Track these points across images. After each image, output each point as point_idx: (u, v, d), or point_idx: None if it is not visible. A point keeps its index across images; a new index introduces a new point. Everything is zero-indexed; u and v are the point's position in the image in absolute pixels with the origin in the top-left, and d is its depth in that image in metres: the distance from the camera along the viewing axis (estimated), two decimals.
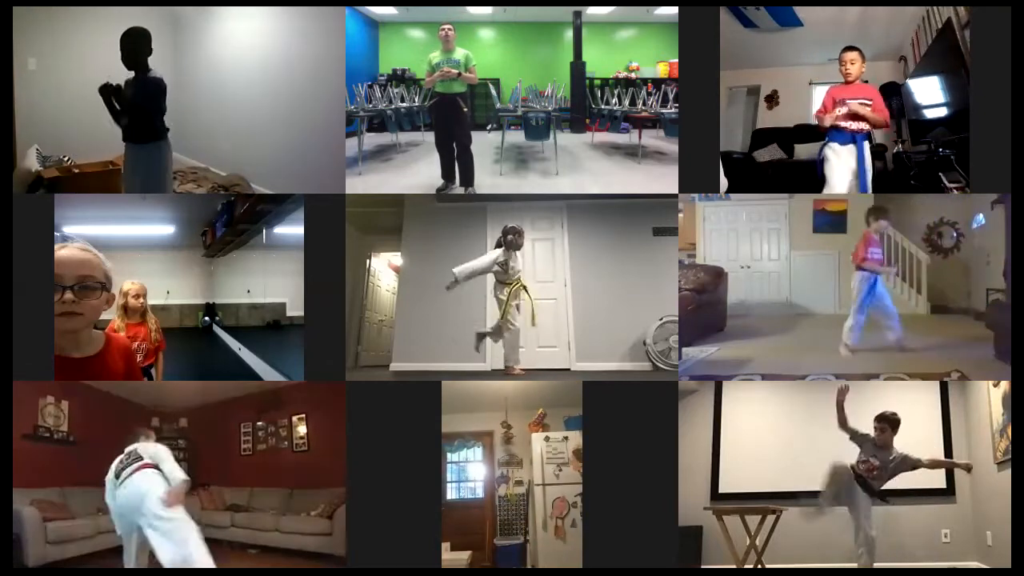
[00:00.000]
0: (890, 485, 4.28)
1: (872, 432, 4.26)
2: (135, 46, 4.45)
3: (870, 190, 4.70)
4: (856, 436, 4.28)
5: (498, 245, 5.59)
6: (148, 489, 3.63)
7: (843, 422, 4.28)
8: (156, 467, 3.74)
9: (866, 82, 4.68)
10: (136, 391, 6.63)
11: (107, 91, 4.45)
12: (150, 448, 3.88)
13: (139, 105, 4.48)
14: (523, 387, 5.82)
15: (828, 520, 4.71)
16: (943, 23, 5.46)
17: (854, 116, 4.59)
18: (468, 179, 5.96)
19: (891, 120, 5.12)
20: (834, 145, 4.64)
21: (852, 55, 4.60)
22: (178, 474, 3.73)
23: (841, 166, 4.63)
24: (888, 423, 4.24)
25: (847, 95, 4.62)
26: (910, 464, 4.26)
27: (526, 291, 5.59)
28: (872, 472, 4.21)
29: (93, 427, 6.14)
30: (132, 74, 4.49)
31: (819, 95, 6.67)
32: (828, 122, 4.63)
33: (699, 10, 4.15)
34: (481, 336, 5.71)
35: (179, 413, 7.63)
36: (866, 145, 4.63)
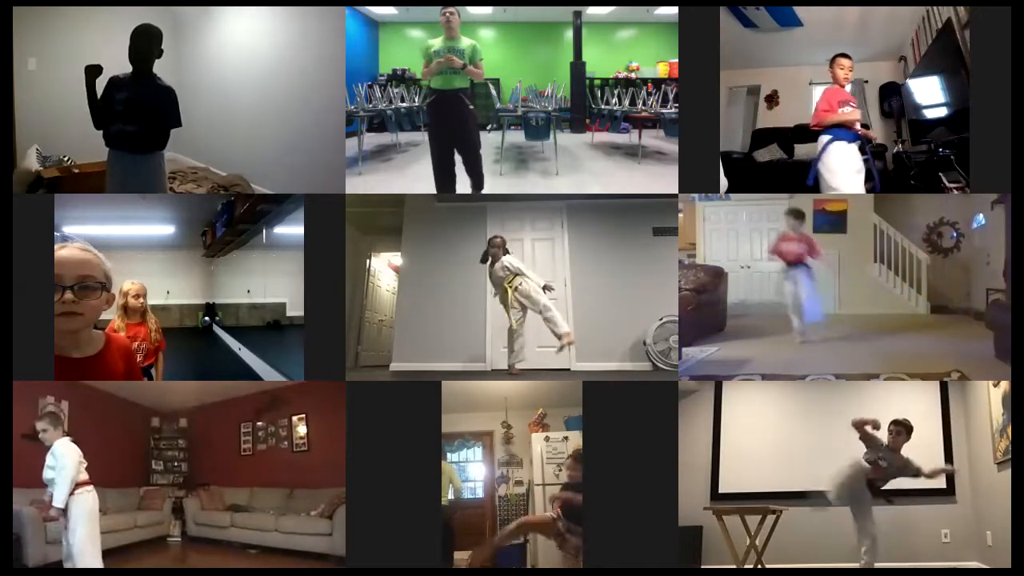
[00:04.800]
0: (889, 484, 4.29)
1: (886, 436, 4.27)
2: (148, 46, 4.22)
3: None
4: (867, 438, 4.28)
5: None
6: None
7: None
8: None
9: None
10: (136, 391, 6.64)
11: (92, 73, 4.19)
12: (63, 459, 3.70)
13: (145, 113, 4.21)
14: (523, 387, 5.82)
15: (828, 520, 4.72)
16: (943, 23, 5.45)
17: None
18: (479, 184, 5.49)
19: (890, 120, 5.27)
20: (842, 143, 4.71)
21: (850, 62, 4.74)
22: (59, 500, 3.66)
23: (851, 163, 4.72)
24: (904, 428, 4.26)
25: (844, 98, 4.74)
26: (912, 470, 4.27)
27: (516, 287, 5.75)
28: (879, 473, 4.22)
29: (93, 427, 6.14)
30: (129, 71, 4.24)
31: (819, 95, 6.68)
32: (833, 120, 4.71)
33: (699, 10, 4.15)
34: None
35: (179, 413, 7.63)
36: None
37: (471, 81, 5.25)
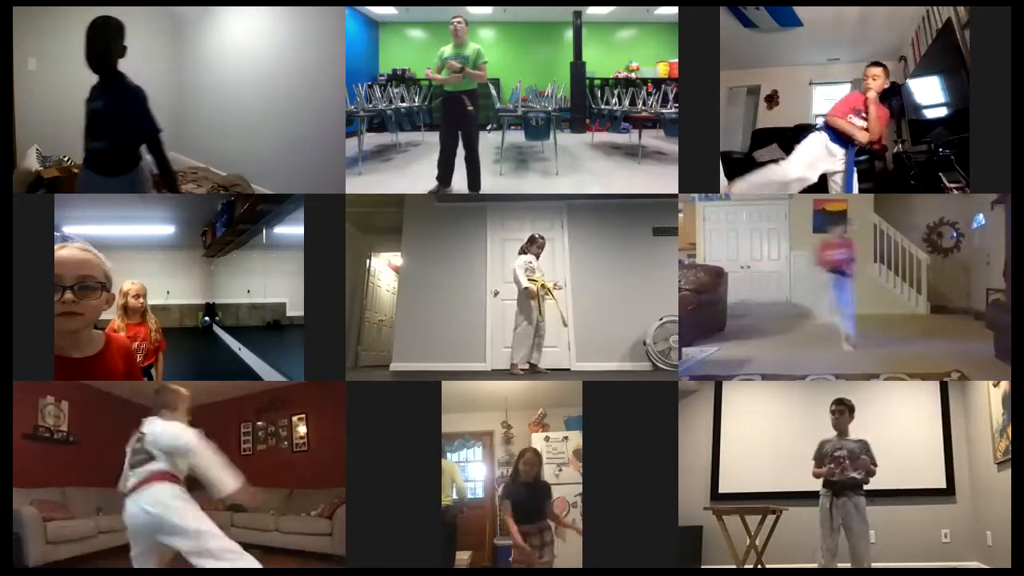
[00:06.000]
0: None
1: (830, 424, 4.29)
2: (108, 42, 3.65)
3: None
4: (819, 452, 4.29)
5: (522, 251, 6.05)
6: (165, 510, 3.25)
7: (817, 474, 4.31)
8: (174, 478, 3.29)
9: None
10: (136, 391, 6.63)
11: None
12: (167, 438, 3.30)
13: (111, 123, 3.59)
14: (523, 387, 5.82)
15: None
16: (943, 23, 5.45)
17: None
18: (475, 183, 5.80)
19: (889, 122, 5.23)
20: (821, 135, 4.72)
21: (877, 69, 4.69)
22: (227, 482, 3.35)
23: (811, 153, 4.71)
24: (846, 406, 4.28)
25: (858, 107, 4.69)
26: (866, 449, 4.23)
27: (550, 294, 5.94)
28: (843, 463, 4.18)
29: (93, 427, 6.15)
30: (97, 79, 3.71)
31: (819, 95, 6.69)
32: (835, 124, 4.69)
33: (699, 10, 4.15)
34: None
35: None
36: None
37: (476, 83, 5.74)
